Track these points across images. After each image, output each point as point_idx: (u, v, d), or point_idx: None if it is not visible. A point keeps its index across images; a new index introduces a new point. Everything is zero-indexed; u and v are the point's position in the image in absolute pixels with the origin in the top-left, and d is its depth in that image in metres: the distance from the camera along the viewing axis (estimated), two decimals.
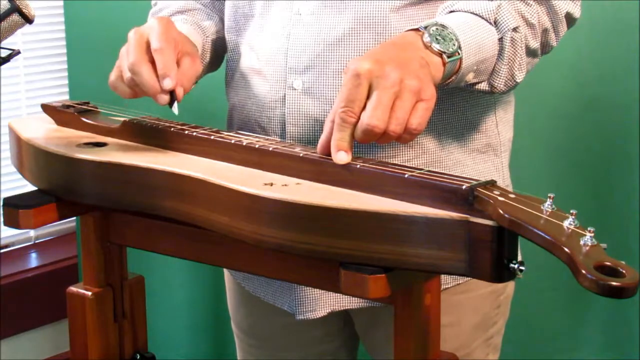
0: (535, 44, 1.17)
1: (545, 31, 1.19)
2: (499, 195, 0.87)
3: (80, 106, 1.25)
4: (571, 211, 0.82)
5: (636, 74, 1.87)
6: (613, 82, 1.92)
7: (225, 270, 1.45)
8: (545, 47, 1.21)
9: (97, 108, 1.26)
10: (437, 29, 1.07)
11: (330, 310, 1.27)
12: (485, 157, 1.27)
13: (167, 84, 1.11)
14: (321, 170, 0.99)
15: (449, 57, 1.06)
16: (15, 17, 1.11)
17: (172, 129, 1.13)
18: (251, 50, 1.27)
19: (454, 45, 1.07)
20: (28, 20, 1.13)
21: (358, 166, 0.97)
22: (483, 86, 1.15)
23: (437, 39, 1.06)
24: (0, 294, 2.51)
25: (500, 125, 1.29)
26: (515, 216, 0.83)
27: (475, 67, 1.11)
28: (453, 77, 1.09)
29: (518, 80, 1.17)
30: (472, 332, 1.31)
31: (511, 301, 1.38)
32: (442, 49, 1.05)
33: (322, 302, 1.27)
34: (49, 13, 2.68)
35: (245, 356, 1.46)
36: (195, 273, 2.47)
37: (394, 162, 1.17)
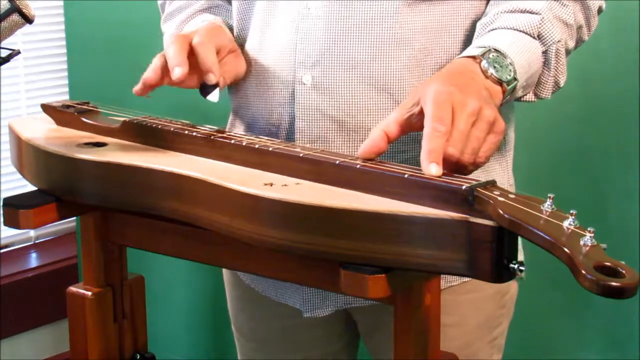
0: (572, 44, 1.18)
1: (579, 28, 1.19)
2: (498, 195, 0.87)
3: (80, 106, 1.25)
4: (571, 211, 0.82)
5: (636, 74, 1.87)
6: (613, 82, 1.92)
7: (226, 275, 1.44)
8: (579, 43, 1.21)
9: (97, 108, 1.25)
10: (494, 55, 1.07)
11: (335, 309, 1.27)
12: (492, 157, 1.27)
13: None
14: (321, 170, 0.99)
15: (508, 84, 1.07)
16: (15, 17, 1.11)
17: (172, 129, 1.13)
18: (257, 48, 1.27)
19: (511, 72, 1.07)
20: (28, 20, 1.13)
21: (358, 166, 0.96)
22: (528, 97, 1.16)
23: (495, 66, 1.06)
24: (0, 294, 2.51)
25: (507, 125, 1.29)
26: (515, 216, 0.83)
27: (524, 84, 1.12)
28: (507, 99, 1.09)
29: (561, 85, 1.18)
30: (476, 332, 1.30)
31: None
32: (500, 77, 1.06)
33: (329, 301, 1.27)
34: (49, 13, 2.69)
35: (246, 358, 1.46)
36: (195, 273, 2.47)
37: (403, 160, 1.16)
